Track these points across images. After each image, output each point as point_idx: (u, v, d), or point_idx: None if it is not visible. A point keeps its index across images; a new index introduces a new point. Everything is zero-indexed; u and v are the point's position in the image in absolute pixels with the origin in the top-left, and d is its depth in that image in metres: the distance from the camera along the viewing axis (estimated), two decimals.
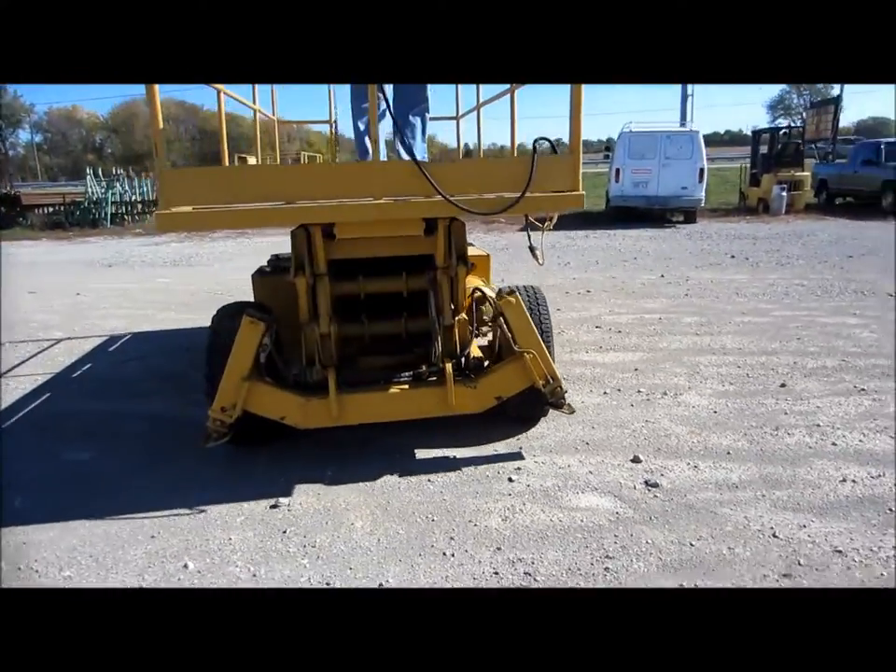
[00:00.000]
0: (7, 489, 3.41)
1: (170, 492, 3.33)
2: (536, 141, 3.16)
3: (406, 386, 3.50)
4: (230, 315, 3.58)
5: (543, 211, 3.42)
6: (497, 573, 2.59)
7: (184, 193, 2.95)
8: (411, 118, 3.92)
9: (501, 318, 3.48)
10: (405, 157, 3.75)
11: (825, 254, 10.54)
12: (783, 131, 18.96)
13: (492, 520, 2.98)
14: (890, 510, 2.94)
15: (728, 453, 3.56)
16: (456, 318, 3.57)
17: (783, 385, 4.53)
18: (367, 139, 3.75)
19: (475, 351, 3.83)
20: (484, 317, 3.92)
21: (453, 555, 2.72)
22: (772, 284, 8.29)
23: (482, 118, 5.35)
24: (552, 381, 3.46)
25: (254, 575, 2.64)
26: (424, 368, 3.58)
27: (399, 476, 3.41)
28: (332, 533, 2.93)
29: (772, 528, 2.82)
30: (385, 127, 3.90)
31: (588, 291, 8.22)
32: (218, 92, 3.72)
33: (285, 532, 2.95)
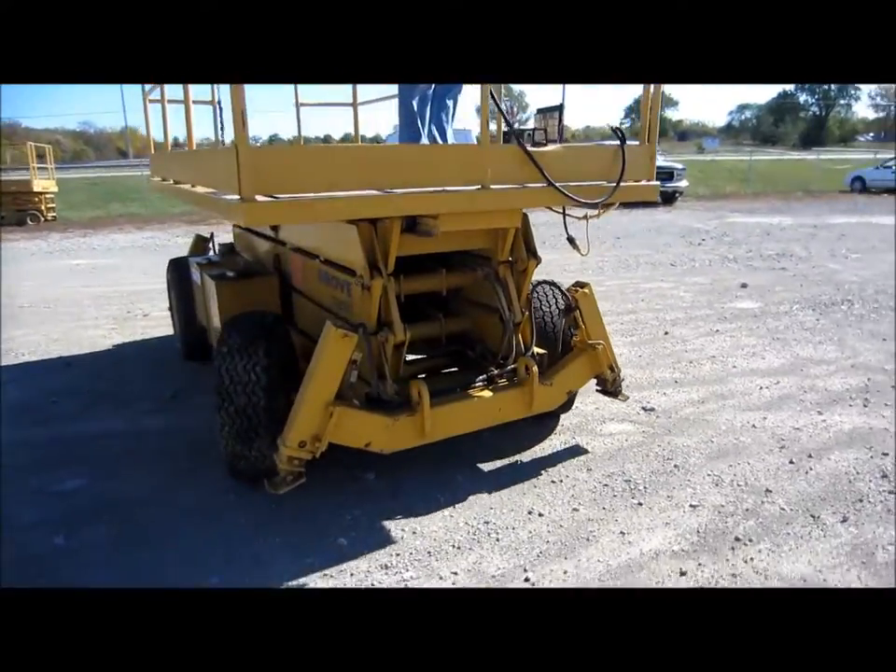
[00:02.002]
0: (29, 531, 3.01)
1: (231, 511, 3.09)
2: (616, 129, 3.07)
3: (490, 393, 3.20)
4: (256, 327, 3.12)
5: (626, 200, 3.24)
6: (606, 485, 3.20)
7: (269, 178, 2.40)
8: (447, 100, 3.74)
9: (577, 311, 3.39)
10: (439, 140, 3.81)
11: (598, 237, 12.74)
12: (529, 132, 21.87)
13: (560, 450, 3.56)
14: (801, 399, 4.21)
15: (676, 381, 4.60)
16: (525, 315, 3.38)
17: (666, 333, 5.81)
18: (418, 121, 3.65)
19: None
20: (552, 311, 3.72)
21: (561, 481, 3.25)
22: (583, 261, 9.89)
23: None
24: (615, 369, 3.54)
25: (454, 574, 2.87)
26: (494, 370, 3.31)
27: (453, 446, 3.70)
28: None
29: (749, 423, 3.88)
30: (428, 109, 3.73)
31: None
32: None
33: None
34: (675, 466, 3.37)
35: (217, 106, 5.70)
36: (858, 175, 23.17)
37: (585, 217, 3.30)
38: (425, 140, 3.71)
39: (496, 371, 3.31)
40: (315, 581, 2.55)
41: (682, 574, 2.52)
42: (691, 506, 3.00)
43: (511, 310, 3.28)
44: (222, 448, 3.11)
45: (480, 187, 2.79)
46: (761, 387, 4.45)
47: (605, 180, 3.08)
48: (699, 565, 2.58)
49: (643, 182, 3.26)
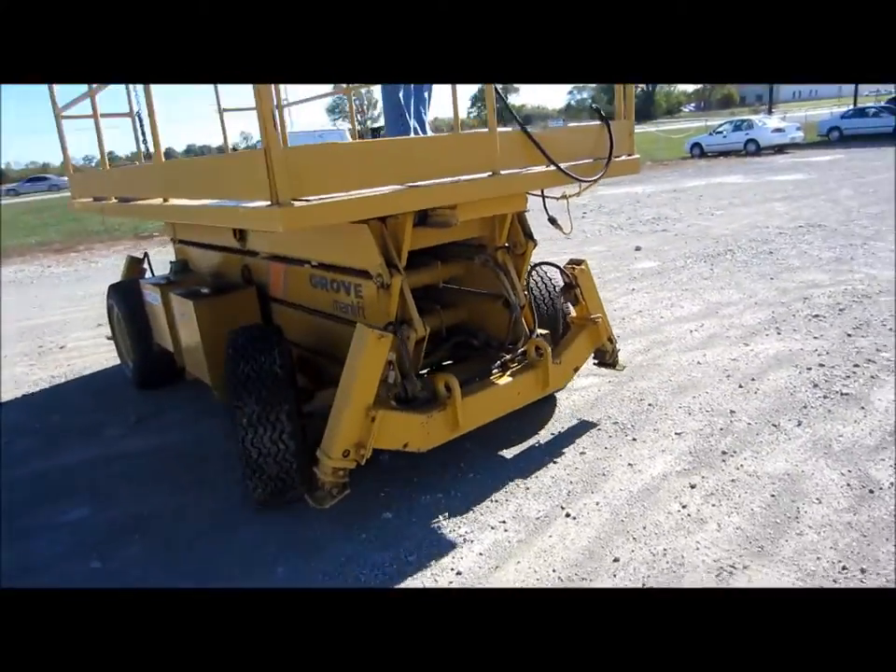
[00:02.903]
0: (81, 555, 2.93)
1: (262, 511, 3.09)
2: (597, 109, 3.19)
3: (509, 378, 3.23)
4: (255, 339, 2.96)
5: (614, 175, 3.32)
6: (599, 429, 3.59)
7: (302, 181, 2.28)
8: (424, 93, 3.78)
9: (577, 288, 3.50)
10: (420, 133, 3.76)
11: None
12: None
13: (547, 409, 3.90)
14: (727, 336, 4.83)
15: (618, 336, 5.04)
16: (526, 297, 3.45)
17: None
18: (406, 115, 3.62)
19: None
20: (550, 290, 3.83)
21: (560, 432, 3.60)
22: None
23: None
24: (613, 340, 3.70)
25: (502, 522, 3.10)
26: (506, 356, 3.35)
27: None
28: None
29: (694, 360, 4.43)
30: (400, 99, 3.67)
31: None
32: None
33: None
34: (649, 405, 3.82)
35: (137, 118, 5.45)
36: (696, 142, 25.51)
37: (564, 197, 3.33)
38: (412, 134, 3.72)
39: (508, 357, 3.34)
40: (378, 552, 2.72)
41: (692, 487, 2.95)
42: (676, 433, 3.45)
43: (515, 294, 3.33)
44: (254, 497, 2.99)
45: (491, 173, 2.81)
46: (690, 331, 5.05)
47: (592, 157, 3.18)
48: (703, 478, 3.02)
49: (624, 157, 3.36)
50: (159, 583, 2.68)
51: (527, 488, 3.09)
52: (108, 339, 5.38)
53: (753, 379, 4.03)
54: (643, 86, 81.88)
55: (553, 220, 3.50)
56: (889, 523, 2.58)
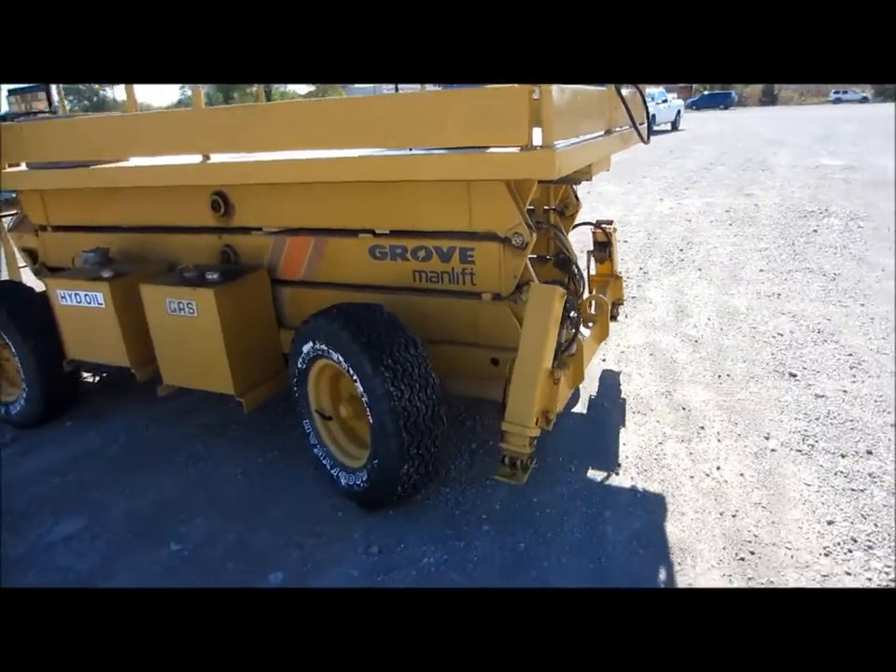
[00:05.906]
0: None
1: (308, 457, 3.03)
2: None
3: (585, 331, 3.26)
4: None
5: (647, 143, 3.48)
6: None
7: (563, 125, 2.30)
8: None
9: (611, 246, 3.67)
10: None
11: None
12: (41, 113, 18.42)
13: None
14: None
15: None
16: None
17: None
18: None
19: None
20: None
21: None
22: None
23: None
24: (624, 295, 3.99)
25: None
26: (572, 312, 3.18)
27: None
28: None
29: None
30: None
31: None
32: None
33: None
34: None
35: None
36: None
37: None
38: None
39: (573, 314, 3.23)
40: (452, 446, 3.27)
41: (603, 360, 4.23)
42: None
43: (571, 252, 3.40)
44: (394, 491, 2.68)
45: (606, 132, 2.95)
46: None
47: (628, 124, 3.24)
48: (604, 354, 4.33)
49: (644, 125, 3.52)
50: (265, 534, 2.79)
51: None
52: None
53: None
54: None
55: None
56: (703, 361, 4.28)
